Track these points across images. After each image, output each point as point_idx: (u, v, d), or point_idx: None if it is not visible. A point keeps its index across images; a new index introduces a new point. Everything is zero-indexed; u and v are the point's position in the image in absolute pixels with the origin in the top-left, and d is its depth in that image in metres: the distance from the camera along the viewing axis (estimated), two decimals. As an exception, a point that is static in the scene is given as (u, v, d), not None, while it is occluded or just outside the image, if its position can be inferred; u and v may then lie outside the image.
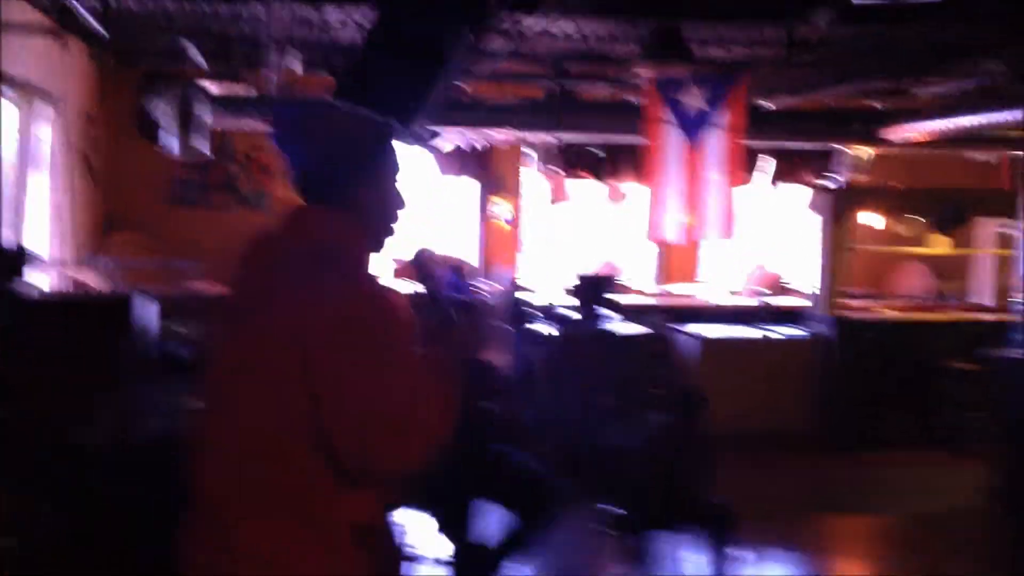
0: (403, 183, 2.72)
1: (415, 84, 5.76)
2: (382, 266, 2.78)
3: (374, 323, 2.39)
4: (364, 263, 2.60)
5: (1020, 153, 10.23)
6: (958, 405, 9.18)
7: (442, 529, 5.09)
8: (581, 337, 5.90)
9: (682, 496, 5.40)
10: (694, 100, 9.21)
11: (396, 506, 2.97)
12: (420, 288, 2.73)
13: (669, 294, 11.51)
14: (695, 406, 5.56)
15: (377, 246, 2.65)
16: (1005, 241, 10.58)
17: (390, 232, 2.67)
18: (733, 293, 11.72)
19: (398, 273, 6.20)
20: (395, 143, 2.69)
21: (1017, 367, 7.76)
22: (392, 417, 2.35)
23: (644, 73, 9.00)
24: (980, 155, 11.38)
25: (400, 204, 2.69)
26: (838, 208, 9.89)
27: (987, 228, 10.96)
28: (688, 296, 11.42)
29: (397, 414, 2.35)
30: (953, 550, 7.00)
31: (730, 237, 9.33)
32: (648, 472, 5.34)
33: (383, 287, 2.49)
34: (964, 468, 8.61)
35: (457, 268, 6.95)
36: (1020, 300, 7.87)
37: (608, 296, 7.72)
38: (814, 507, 7.71)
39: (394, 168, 2.68)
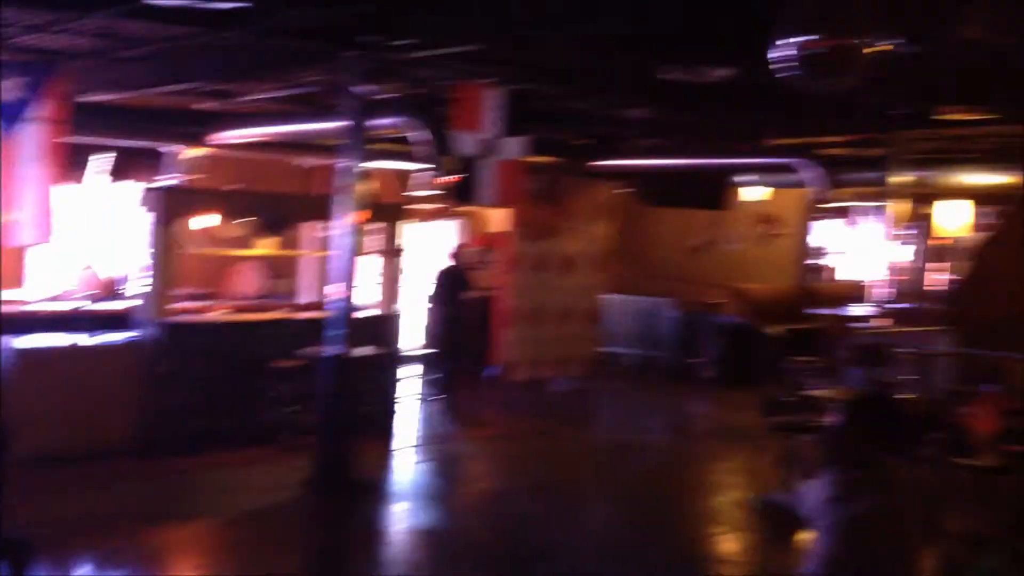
0: None
1: None
2: None
3: None
4: None
5: (334, 160, 10.90)
6: (282, 402, 9.55)
7: None
8: None
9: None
10: (11, 90, 8.46)
11: None
12: None
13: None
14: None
15: None
16: (325, 243, 11.28)
17: None
18: (58, 298, 11.06)
19: None
20: None
21: (330, 362, 8.28)
22: None
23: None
24: (303, 160, 12.02)
25: None
26: (168, 209, 9.75)
27: (311, 230, 11.58)
28: (6, 303, 10.51)
29: None
30: (275, 541, 7.27)
31: (46, 240, 8.73)
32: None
33: None
34: (288, 462, 8.96)
35: None
36: (333, 298, 8.36)
37: None
38: (137, 520, 7.40)
39: None
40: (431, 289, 12.33)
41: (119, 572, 6.68)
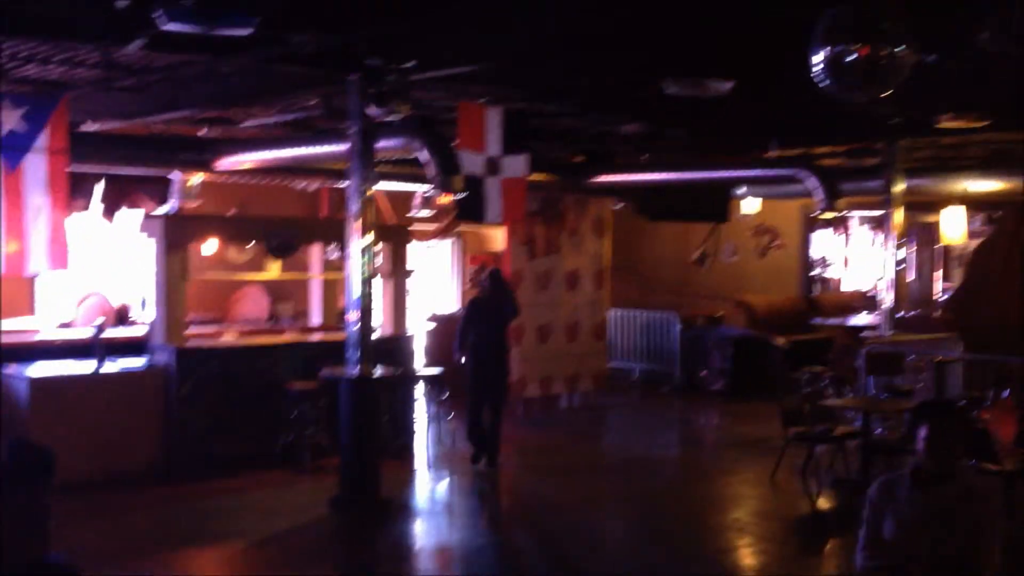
0: None
1: None
2: None
3: None
4: None
5: (339, 184, 10.89)
6: (302, 423, 9.52)
7: None
8: None
9: (10, 566, 4.81)
10: (10, 121, 8.43)
11: None
12: None
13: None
14: (33, 464, 4.95)
15: None
16: (332, 265, 11.25)
17: None
18: (67, 325, 11.01)
19: None
20: None
21: (351, 383, 8.24)
22: None
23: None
24: (304, 184, 11.98)
25: None
26: (172, 236, 9.72)
27: (315, 253, 11.55)
28: (18, 332, 10.46)
29: None
30: (307, 561, 7.25)
31: (64, 266, 8.68)
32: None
33: None
34: (311, 483, 9.06)
35: None
36: (352, 320, 8.31)
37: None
38: (167, 545, 7.41)
39: None
40: (465, 313, 10.65)
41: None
